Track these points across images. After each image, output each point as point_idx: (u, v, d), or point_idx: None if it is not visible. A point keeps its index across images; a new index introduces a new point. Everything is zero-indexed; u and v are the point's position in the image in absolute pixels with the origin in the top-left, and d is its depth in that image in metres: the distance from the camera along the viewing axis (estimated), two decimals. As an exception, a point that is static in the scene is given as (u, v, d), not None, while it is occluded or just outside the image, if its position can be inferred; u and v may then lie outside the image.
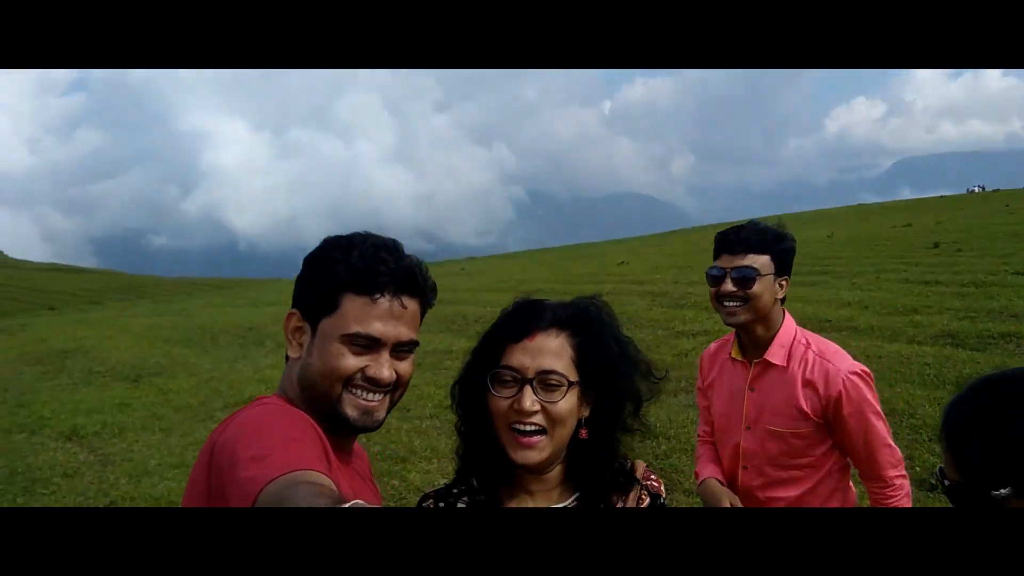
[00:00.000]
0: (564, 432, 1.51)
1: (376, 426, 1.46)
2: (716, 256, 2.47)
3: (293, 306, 1.49)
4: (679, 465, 5.86)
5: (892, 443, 2.39)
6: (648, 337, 9.86)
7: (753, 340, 2.48)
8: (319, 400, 1.42)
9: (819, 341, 2.48)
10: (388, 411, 1.48)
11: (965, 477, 1.20)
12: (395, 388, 1.47)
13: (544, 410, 1.47)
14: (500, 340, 1.54)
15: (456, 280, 21.13)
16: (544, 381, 1.47)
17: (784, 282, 2.45)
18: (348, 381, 1.41)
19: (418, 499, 1.69)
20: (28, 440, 7.49)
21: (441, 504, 1.61)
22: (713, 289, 2.46)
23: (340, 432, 1.46)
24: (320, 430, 1.37)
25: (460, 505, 1.60)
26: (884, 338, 8.80)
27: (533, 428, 1.47)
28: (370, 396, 1.43)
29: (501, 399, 1.49)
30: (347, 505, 0.98)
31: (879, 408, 2.38)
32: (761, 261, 2.38)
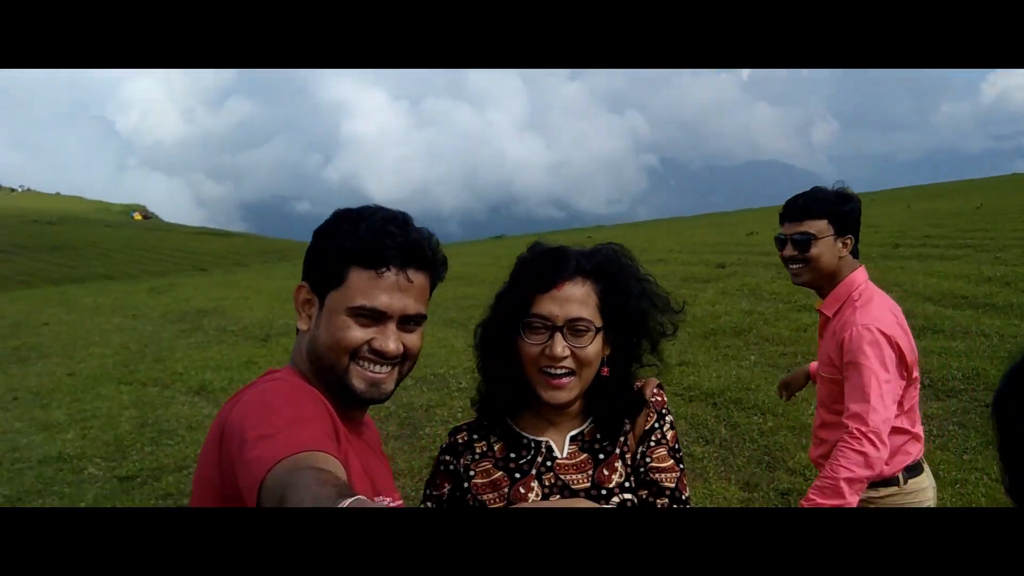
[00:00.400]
0: (590, 372, 1.63)
1: (384, 398, 1.48)
2: (780, 223, 2.72)
3: (303, 279, 1.50)
4: (784, 443, 5.55)
5: (877, 403, 2.40)
6: (768, 310, 9.33)
7: (822, 295, 2.73)
8: (327, 372, 1.44)
9: (870, 296, 2.61)
10: (397, 383, 1.50)
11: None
12: (403, 360, 1.48)
13: (573, 354, 1.58)
14: (528, 289, 1.62)
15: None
16: (573, 328, 1.58)
17: (848, 240, 2.64)
18: (355, 353, 1.43)
19: (449, 431, 1.80)
20: (160, 394, 7.96)
21: (474, 436, 1.74)
22: (780, 253, 2.72)
23: (349, 404, 1.48)
24: (329, 405, 1.40)
25: (494, 439, 1.73)
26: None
27: (563, 371, 1.59)
28: (377, 368, 1.45)
29: (532, 345, 1.60)
30: (347, 502, 0.97)
31: (876, 366, 2.44)
32: (818, 226, 2.61)
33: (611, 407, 1.68)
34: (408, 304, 1.44)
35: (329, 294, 1.43)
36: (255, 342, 10.38)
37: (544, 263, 1.64)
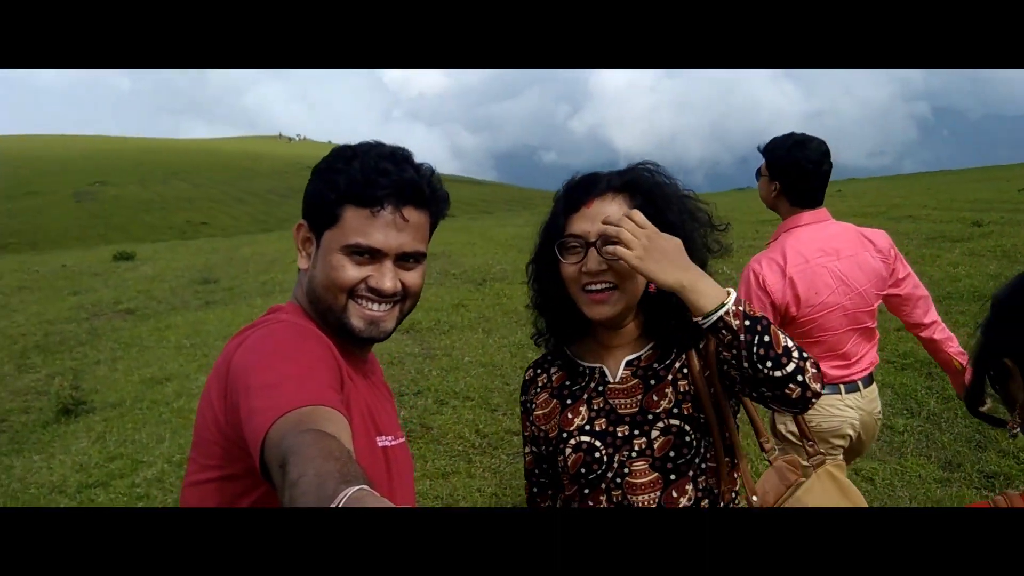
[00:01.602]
0: (634, 286, 1.60)
1: (384, 336, 1.46)
2: None
3: (302, 217, 1.48)
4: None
5: None
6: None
7: None
8: (326, 312, 1.43)
9: (787, 237, 2.75)
10: (398, 322, 1.48)
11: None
12: (403, 299, 1.46)
13: (611, 268, 1.56)
14: (562, 214, 1.63)
15: (829, 202, 19.22)
16: (607, 240, 1.53)
17: (775, 185, 2.76)
18: (352, 292, 1.41)
19: (525, 369, 1.83)
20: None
21: (538, 371, 1.79)
22: None
23: (350, 343, 1.46)
24: (334, 347, 1.37)
25: (554, 370, 1.77)
26: None
27: (604, 286, 1.58)
28: (375, 307, 1.43)
29: (570, 265, 1.60)
30: (349, 492, 0.93)
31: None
32: (765, 167, 2.83)
33: (663, 324, 1.64)
34: (405, 242, 1.41)
35: (325, 233, 1.41)
36: (471, 285, 10.66)
37: (575, 184, 1.65)
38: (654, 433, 1.60)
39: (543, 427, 1.72)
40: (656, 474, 1.59)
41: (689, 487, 1.59)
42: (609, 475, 1.61)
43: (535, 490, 1.84)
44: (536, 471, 1.82)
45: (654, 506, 1.55)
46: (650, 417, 1.60)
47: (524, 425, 1.80)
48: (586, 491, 1.64)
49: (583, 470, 1.63)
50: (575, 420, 1.66)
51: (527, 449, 1.81)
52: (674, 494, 1.58)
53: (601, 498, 1.61)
